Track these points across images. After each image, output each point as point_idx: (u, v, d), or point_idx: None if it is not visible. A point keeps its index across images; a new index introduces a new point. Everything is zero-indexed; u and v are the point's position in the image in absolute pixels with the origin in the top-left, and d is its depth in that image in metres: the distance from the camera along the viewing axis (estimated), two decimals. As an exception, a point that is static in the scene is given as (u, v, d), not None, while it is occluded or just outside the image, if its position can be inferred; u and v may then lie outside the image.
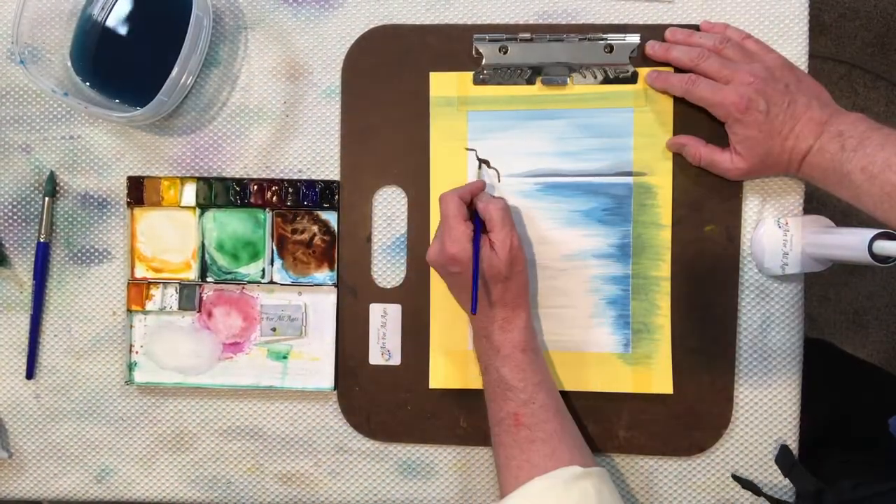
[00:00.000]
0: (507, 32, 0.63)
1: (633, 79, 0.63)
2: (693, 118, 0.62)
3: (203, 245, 0.67)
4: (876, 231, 0.53)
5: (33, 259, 0.67)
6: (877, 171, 0.52)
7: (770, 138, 0.57)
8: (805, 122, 0.56)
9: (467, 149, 0.64)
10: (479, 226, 0.58)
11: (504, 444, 0.58)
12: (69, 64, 0.64)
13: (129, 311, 0.67)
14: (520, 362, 0.58)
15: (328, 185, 0.65)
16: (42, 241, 0.67)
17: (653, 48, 0.62)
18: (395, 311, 0.65)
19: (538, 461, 0.56)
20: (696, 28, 0.62)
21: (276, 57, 0.66)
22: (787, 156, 0.57)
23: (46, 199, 0.67)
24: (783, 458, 0.62)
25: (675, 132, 0.63)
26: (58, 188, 0.67)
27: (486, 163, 0.64)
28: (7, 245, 0.68)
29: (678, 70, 0.62)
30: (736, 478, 0.63)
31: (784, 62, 0.59)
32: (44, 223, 0.66)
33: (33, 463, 0.69)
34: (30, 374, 0.68)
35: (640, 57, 0.63)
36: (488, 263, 0.57)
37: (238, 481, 0.68)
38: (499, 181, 0.64)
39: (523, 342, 0.58)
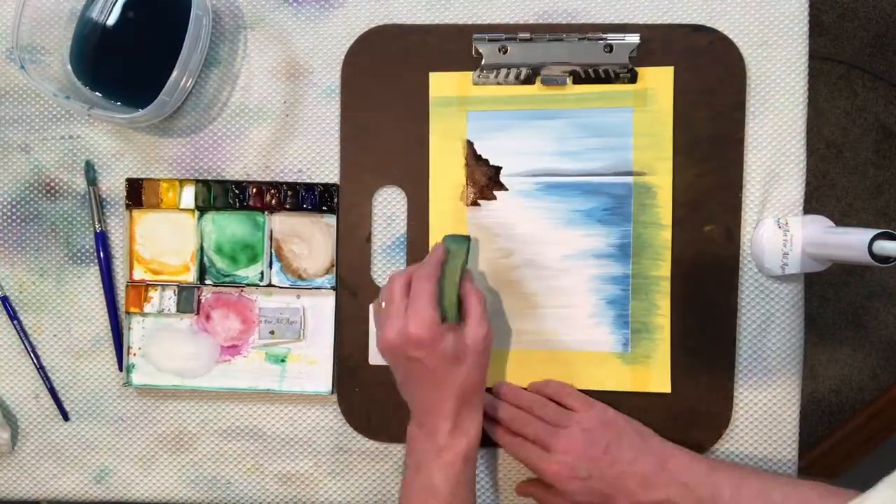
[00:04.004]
0: (506, 32, 0.63)
1: (632, 78, 0.63)
2: (692, 118, 0.63)
3: (202, 247, 0.66)
4: (876, 231, 0.53)
5: (33, 259, 0.67)
6: None
7: (601, 499, 0.57)
8: (638, 479, 0.56)
9: (470, 149, 0.64)
10: None
11: None
12: (69, 67, 0.64)
13: (128, 313, 0.67)
14: (458, 474, 0.55)
15: (327, 188, 0.65)
16: (98, 231, 0.66)
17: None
18: (394, 311, 0.65)
19: None
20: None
21: (276, 57, 0.66)
22: None
23: (91, 187, 0.66)
24: None
25: (675, 132, 0.63)
26: (57, 188, 0.67)
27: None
28: (7, 245, 0.68)
29: None
30: None
31: (603, 419, 0.59)
32: (95, 213, 0.66)
33: (33, 463, 0.69)
34: (120, 367, 0.67)
35: (640, 57, 0.63)
36: (454, 343, 0.55)
37: (238, 481, 0.68)
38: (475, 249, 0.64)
39: (468, 451, 0.56)
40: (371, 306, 0.63)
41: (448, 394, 0.55)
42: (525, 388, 0.64)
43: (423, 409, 0.57)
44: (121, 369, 0.67)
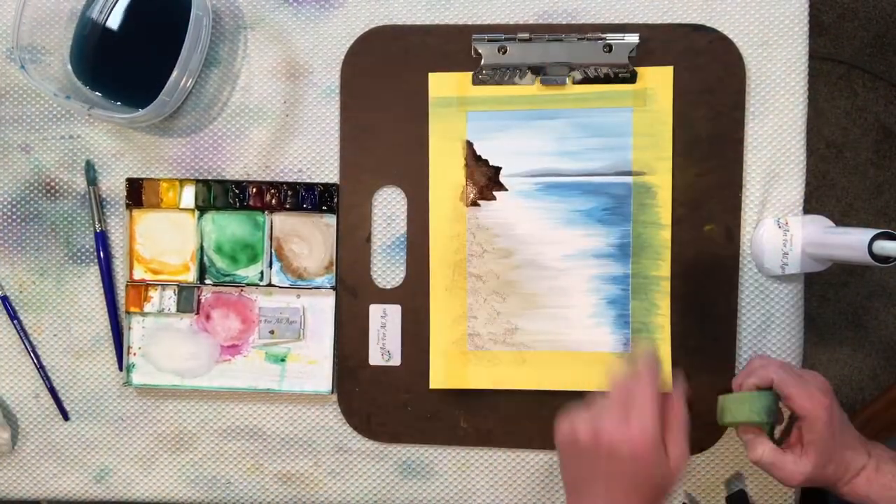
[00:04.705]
0: (506, 32, 0.63)
1: (632, 78, 0.63)
2: (692, 118, 0.63)
3: (202, 247, 0.66)
4: (876, 231, 0.53)
5: (33, 259, 0.67)
6: None
7: (833, 442, 0.55)
8: (847, 470, 0.55)
9: None
10: None
11: None
12: (69, 67, 0.64)
13: (128, 312, 0.67)
14: None
15: (327, 187, 0.65)
16: (99, 230, 0.66)
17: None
18: (394, 311, 0.65)
19: None
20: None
21: (276, 57, 0.66)
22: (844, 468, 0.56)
23: (91, 187, 0.66)
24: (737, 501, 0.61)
25: (675, 131, 0.63)
26: (57, 188, 0.67)
27: None
28: (7, 245, 0.68)
29: None
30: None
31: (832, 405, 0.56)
32: (95, 213, 0.66)
33: (33, 462, 0.69)
34: (120, 366, 0.67)
35: (640, 56, 0.63)
36: (662, 473, 0.52)
37: (238, 481, 0.68)
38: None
39: None
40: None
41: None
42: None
43: None
44: (121, 369, 0.67)
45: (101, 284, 0.67)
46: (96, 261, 0.67)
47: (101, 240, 0.67)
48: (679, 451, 0.52)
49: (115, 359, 0.68)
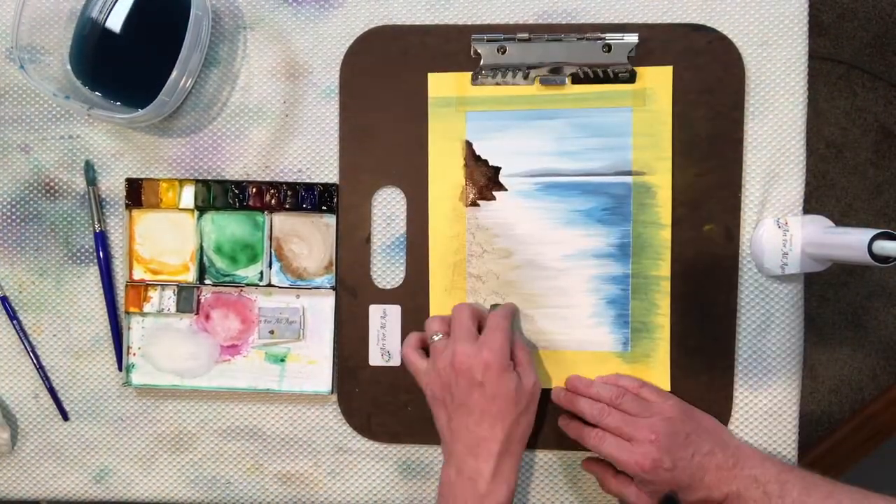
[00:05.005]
0: (505, 33, 0.63)
1: (631, 78, 0.63)
2: (692, 118, 0.63)
3: (201, 247, 0.66)
4: (876, 231, 0.53)
5: (33, 259, 0.67)
6: None
7: (678, 490, 0.57)
8: (713, 471, 0.56)
9: None
10: None
11: None
12: (68, 67, 0.64)
13: (127, 312, 0.67)
14: None
15: (327, 187, 0.65)
16: (98, 230, 0.66)
17: (558, 396, 0.63)
18: (394, 311, 0.65)
19: None
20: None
21: (276, 57, 0.66)
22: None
23: (90, 187, 0.66)
24: None
25: (674, 131, 0.63)
26: (57, 188, 0.67)
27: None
28: (7, 245, 0.68)
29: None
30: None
31: (681, 409, 0.59)
32: (94, 213, 0.66)
33: (33, 463, 0.69)
34: (120, 367, 0.67)
35: (639, 56, 0.63)
36: (517, 382, 0.56)
37: (238, 481, 0.68)
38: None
39: (508, 500, 0.55)
40: (408, 337, 0.63)
41: (498, 431, 0.56)
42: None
43: (468, 447, 0.56)
44: (120, 369, 0.67)
45: (100, 284, 0.67)
46: (96, 261, 0.67)
47: (101, 240, 0.67)
48: (531, 377, 0.59)
49: (115, 359, 0.68)
